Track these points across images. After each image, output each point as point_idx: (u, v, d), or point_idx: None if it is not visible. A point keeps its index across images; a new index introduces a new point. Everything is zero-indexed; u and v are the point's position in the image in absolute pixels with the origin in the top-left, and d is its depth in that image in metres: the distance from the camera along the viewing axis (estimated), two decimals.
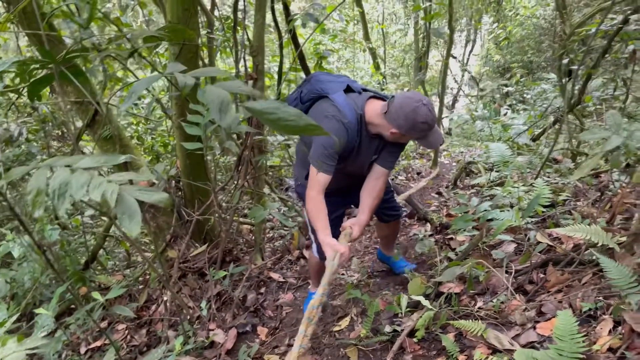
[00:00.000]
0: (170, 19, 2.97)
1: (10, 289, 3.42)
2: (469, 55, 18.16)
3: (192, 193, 3.49)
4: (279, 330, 2.93)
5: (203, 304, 3.00)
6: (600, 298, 2.01)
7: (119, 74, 4.28)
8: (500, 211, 2.96)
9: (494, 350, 1.97)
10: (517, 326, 2.08)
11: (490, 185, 4.47)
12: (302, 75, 4.98)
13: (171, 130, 4.25)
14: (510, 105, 10.61)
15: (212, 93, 1.35)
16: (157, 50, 4.59)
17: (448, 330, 2.26)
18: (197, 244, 3.62)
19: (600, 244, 2.12)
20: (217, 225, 3.59)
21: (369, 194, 2.47)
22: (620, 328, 1.78)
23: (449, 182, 6.04)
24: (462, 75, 17.20)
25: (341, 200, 2.71)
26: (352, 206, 2.90)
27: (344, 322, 2.73)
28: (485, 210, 2.95)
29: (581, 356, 1.56)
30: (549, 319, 2.02)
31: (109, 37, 2.80)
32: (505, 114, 10.26)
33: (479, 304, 2.41)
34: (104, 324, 3.27)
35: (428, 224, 4.16)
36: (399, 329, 2.40)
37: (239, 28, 4.00)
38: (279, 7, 4.55)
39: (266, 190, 4.44)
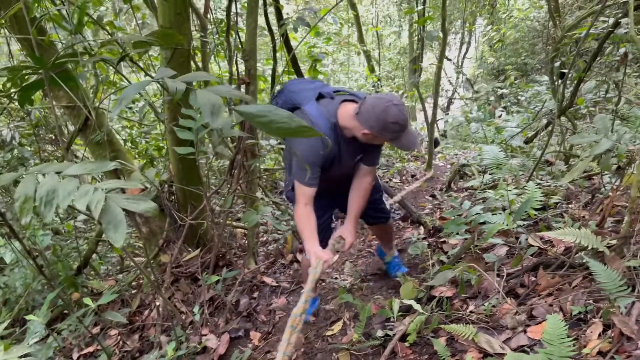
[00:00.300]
0: (163, 23, 2.97)
1: (2, 294, 3.41)
2: (464, 57, 18.21)
3: (185, 197, 3.49)
4: (271, 335, 2.92)
5: (196, 309, 2.99)
6: (590, 301, 2.02)
7: (111, 78, 4.27)
8: (492, 214, 2.97)
9: (485, 354, 1.98)
10: (508, 330, 2.09)
11: (484, 188, 4.47)
12: (295, 78, 4.98)
13: (165, 134, 4.25)
14: (504, 108, 10.64)
15: (204, 97, 1.35)
16: (150, 53, 4.59)
17: (440, 335, 2.26)
18: (190, 249, 3.61)
19: (590, 247, 2.13)
20: (210, 230, 3.59)
21: (356, 194, 2.53)
22: (609, 331, 1.79)
23: (443, 185, 6.05)
24: (457, 78, 17.24)
25: (329, 203, 2.72)
26: (338, 209, 2.92)
27: (337, 327, 2.73)
28: (477, 214, 2.96)
29: None
30: (540, 322, 2.03)
31: (101, 41, 2.80)
32: (500, 116, 10.30)
33: (471, 307, 2.42)
34: (96, 330, 3.25)
35: (421, 227, 4.16)
36: (391, 333, 2.40)
37: (232, 32, 3.99)
38: (271, 10, 4.55)
39: (259, 194, 4.43)
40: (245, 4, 3.44)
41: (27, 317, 2.33)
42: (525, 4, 13.85)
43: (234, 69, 3.84)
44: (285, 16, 4.20)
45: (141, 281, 3.63)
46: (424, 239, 3.83)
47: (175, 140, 3.08)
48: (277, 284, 3.55)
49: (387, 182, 6.59)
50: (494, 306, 2.29)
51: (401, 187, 6.32)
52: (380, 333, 2.43)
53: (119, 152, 3.49)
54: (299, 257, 3.99)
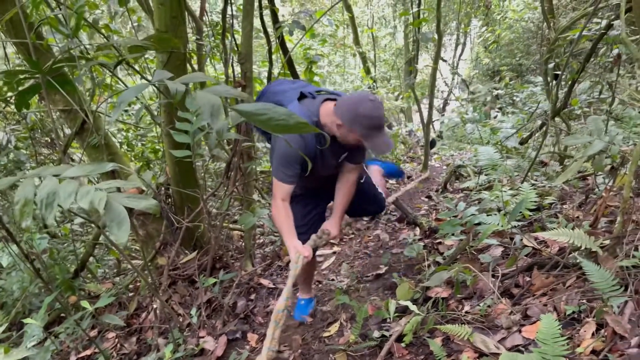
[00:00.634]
0: (159, 27, 2.98)
1: None
2: (459, 58, 18.28)
3: (181, 200, 3.49)
4: None
5: (193, 311, 3.00)
6: (584, 301, 2.04)
7: (108, 80, 4.28)
8: (487, 215, 2.99)
9: (481, 354, 1.99)
10: (503, 330, 2.11)
11: (479, 189, 4.50)
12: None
13: (161, 137, 4.26)
14: (500, 108, 10.69)
15: (203, 98, 1.37)
16: (146, 56, 4.60)
17: (436, 335, 2.28)
18: (187, 251, 3.62)
19: (583, 248, 2.16)
20: (207, 232, 3.60)
21: (341, 189, 2.56)
22: (603, 331, 1.81)
23: (439, 186, 6.08)
24: (453, 79, 17.31)
25: (314, 200, 2.74)
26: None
27: (334, 328, 2.75)
28: (472, 215, 2.98)
29: (564, 359, 1.59)
30: (534, 322, 2.05)
31: (97, 45, 2.81)
32: (495, 117, 10.35)
33: (466, 308, 2.44)
34: (93, 333, 3.25)
35: (417, 228, 4.19)
36: (387, 334, 2.42)
37: (227, 34, 4.01)
38: (267, 12, 4.57)
39: (256, 196, 4.45)
40: (241, 7, 3.46)
41: (24, 321, 2.33)
42: (519, 5, 13.92)
43: (230, 71, 3.86)
44: (280, 18, 4.23)
45: (138, 284, 3.64)
46: (419, 240, 3.86)
47: (171, 143, 3.10)
48: (274, 286, 3.57)
49: None
50: (489, 306, 2.31)
51: (397, 188, 6.35)
52: (376, 334, 2.45)
53: (115, 155, 3.50)
54: None
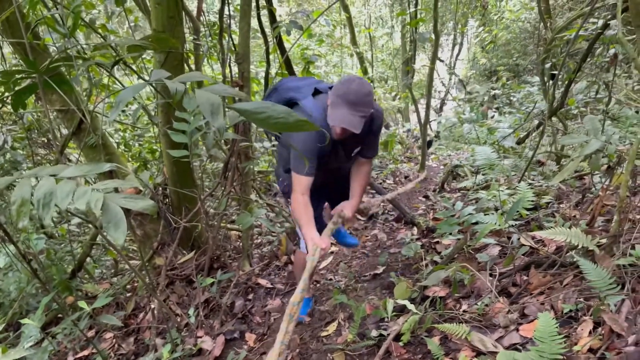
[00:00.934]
0: (156, 27, 2.98)
1: None
2: (456, 58, 18.30)
3: (179, 200, 3.49)
4: (267, 336, 2.94)
5: (191, 311, 3.00)
6: (581, 299, 2.05)
7: (105, 80, 4.27)
8: (485, 215, 3.00)
9: (478, 353, 2.00)
10: (501, 328, 2.11)
11: (476, 189, 4.51)
12: None
13: (158, 137, 4.26)
14: (497, 108, 10.71)
15: (202, 97, 1.36)
16: (143, 56, 4.60)
17: (433, 334, 2.28)
18: (184, 251, 3.61)
19: (580, 246, 2.16)
20: (204, 232, 3.59)
21: (357, 177, 2.62)
22: (600, 329, 1.82)
23: (437, 186, 6.09)
24: (450, 79, 17.32)
25: (317, 198, 2.74)
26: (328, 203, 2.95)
27: (332, 328, 2.75)
28: (469, 214, 2.99)
29: (561, 357, 1.59)
30: (532, 320, 2.06)
31: (94, 45, 2.80)
32: (492, 117, 10.36)
33: (464, 307, 2.44)
34: (91, 333, 3.25)
35: (415, 228, 4.19)
36: (385, 333, 2.42)
37: (225, 34, 4.01)
38: (264, 12, 4.57)
39: (253, 196, 4.44)
40: (239, 7, 3.46)
41: (21, 321, 2.32)
42: (516, 5, 13.95)
43: (228, 71, 3.86)
44: (278, 18, 4.23)
45: (136, 284, 3.63)
46: (417, 239, 3.86)
47: (169, 143, 3.10)
48: (271, 286, 3.57)
49: (380, 183, 6.62)
50: (486, 305, 2.32)
51: (395, 188, 6.36)
52: (374, 333, 2.46)
53: (113, 156, 3.49)
54: (293, 258, 4.00)
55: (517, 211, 2.70)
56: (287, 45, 4.75)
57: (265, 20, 4.68)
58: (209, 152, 3.00)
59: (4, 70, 2.12)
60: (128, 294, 3.60)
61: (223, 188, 3.34)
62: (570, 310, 2.01)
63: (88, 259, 4.06)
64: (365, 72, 11.76)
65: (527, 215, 3.15)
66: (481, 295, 2.49)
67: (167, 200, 3.59)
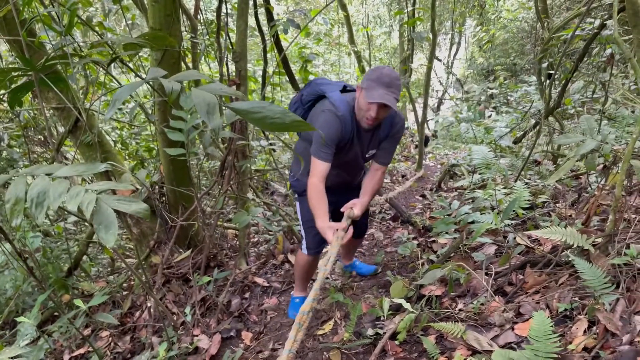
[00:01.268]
0: (153, 25, 2.97)
1: None
2: (454, 58, 18.32)
3: (175, 198, 3.49)
4: (263, 334, 2.94)
5: (187, 310, 3.00)
6: (576, 299, 2.05)
7: (102, 78, 4.26)
8: (481, 214, 3.00)
9: (474, 352, 2.00)
10: (496, 327, 2.12)
11: (473, 188, 4.52)
12: (286, 78, 5.00)
13: (155, 135, 4.25)
14: (494, 108, 10.72)
15: (198, 96, 1.36)
16: (140, 54, 4.59)
17: (429, 333, 2.29)
18: (181, 250, 3.61)
19: (576, 246, 2.17)
20: (201, 231, 3.59)
21: (370, 181, 2.67)
22: (594, 328, 1.83)
23: (434, 185, 6.10)
24: (447, 78, 17.34)
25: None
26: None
27: (328, 326, 2.75)
28: (465, 213, 3.00)
29: (556, 356, 1.60)
30: (527, 319, 2.06)
31: (91, 42, 2.80)
32: (489, 116, 10.38)
33: (460, 306, 2.45)
34: (87, 332, 3.25)
35: (411, 227, 4.20)
36: (381, 331, 2.43)
37: (222, 33, 4.00)
38: (262, 11, 4.56)
39: (250, 195, 4.44)
40: (236, 5, 3.45)
41: (17, 319, 2.32)
42: (514, 5, 13.97)
43: (225, 69, 3.86)
44: (275, 17, 4.22)
45: (132, 282, 3.63)
46: (414, 238, 3.87)
47: (166, 141, 3.09)
48: (268, 285, 3.57)
49: None
50: (482, 304, 2.32)
51: (392, 187, 6.36)
52: (370, 332, 2.46)
53: (109, 154, 3.48)
54: (291, 257, 4.01)
55: (513, 210, 2.70)
56: (284, 44, 4.75)
57: (262, 18, 4.67)
58: (206, 150, 3.00)
59: (0, 68, 2.11)
60: (124, 293, 3.60)
61: (220, 186, 3.34)
62: (565, 309, 2.01)
63: (84, 257, 4.05)
64: (362, 71, 11.75)
65: (524, 214, 3.16)
66: (477, 294, 2.49)
67: (163, 198, 3.59)
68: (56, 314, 3.45)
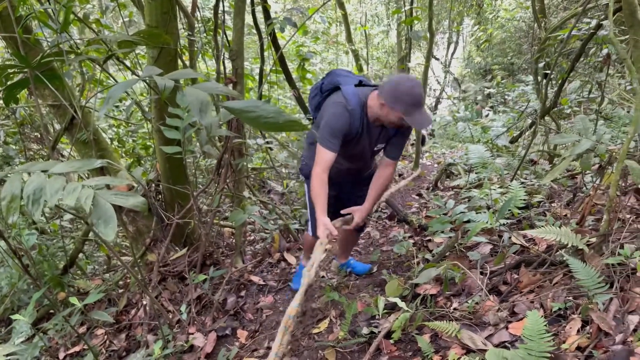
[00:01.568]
0: (149, 23, 2.97)
1: None
2: (451, 57, 18.33)
3: (172, 196, 3.49)
4: (258, 333, 2.94)
5: (183, 308, 3.00)
6: (570, 298, 2.06)
7: (99, 76, 4.25)
8: (477, 213, 3.01)
9: (468, 351, 2.01)
10: (491, 326, 2.13)
11: (469, 187, 4.53)
12: (284, 77, 5.00)
13: (152, 133, 4.25)
14: (492, 107, 10.75)
15: (192, 94, 1.37)
16: (137, 52, 4.58)
17: (424, 332, 2.29)
18: (177, 248, 3.61)
19: (570, 245, 2.18)
20: (197, 229, 3.59)
21: (378, 180, 2.73)
22: (588, 327, 1.84)
23: (430, 184, 6.11)
24: (445, 77, 17.36)
25: (333, 195, 2.76)
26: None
27: (323, 325, 2.76)
28: (461, 213, 3.00)
29: (549, 355, 1.61)
30: (521, 319, 2.07)
31: (87, 40, 2.79)
32: (486, 116, 10.40)
33: (454, 305, 2.45)
34: (82, 329, 3.24)
35: (407, 226, 4.20)
36: (376, 330, 2.43)
37: (219, 31, 4.00)
38: (259, 9, 4.56)
39: (246, 193, 4.44)
40: (233, 3, 3.45)
41: (12, 317, 2.32)
42: (512, 4, 13.98)
43: (222, 68, 3.85)
44: (273, 15, 4.22)
45: (128, 280, 3.63)
46: (410, 237, 3.87)
47: (162, 139, 3.09)
48: (264, 283, 3.57)
49: None
50: (477, 303, 2.33)
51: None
52: (365, 330, 2.46)
53: (105, 151, 3.47)
54: (287, 256, 4.01)
55: (509, 210, 2.72)
56: (281, 42, 4.75)
57: (260, 16, 4.67)
58: (203, 148, 3.00)
59: None
60: (120, 290, 3.59)
61: (216, 185, 3.34)
62: (559, 309, 2.02)
63: (80, 255, 4.05)
64: (360, 69, 11.75)
65: (519, 213, 3.17)
66: (472, 293, 2.50)
67: (160, 196, 3.58)
68: (51, 311, 3.45)
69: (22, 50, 2.52)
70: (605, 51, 4.45)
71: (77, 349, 2.99)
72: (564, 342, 1.82)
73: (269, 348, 2.71)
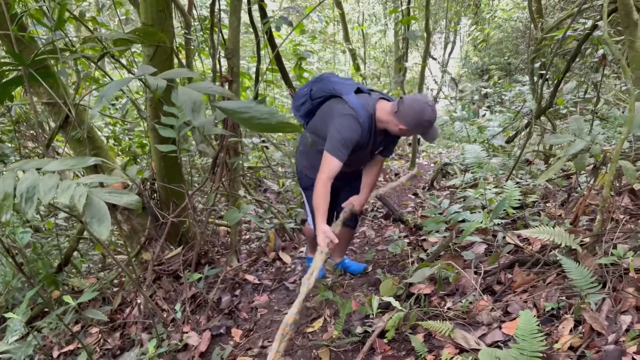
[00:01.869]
0: (145, 20, 2.96)
1: None
2: (448, 57, 18.34)
3: (167, 195, 3.48)
4: (253, 332, 2.94)
5: (177, 307, 2.99)
6: (563, 298, 2.07)
7: (94, 74, 4.24)
8: (471, 213, 3.01)
9: (461, 350, 2.02)
10: (484, 326, 2.13)
11: (465, 187, 4.53)
12: (280, 75, 4.99)
13: (147, 131, 4.24)
14: (488, 107, 10.76)
15: (185, 94, 1.37)
16: (133, 50, 4.57)
17: (417, 331, 2.30)
18: (172, 247, 3.60)
19: (563, 245, 2.18)
20: (192, 228, 3.58)
21: (369, 173, 2.97)
22: (580, 327, 1.84)
23: (426, 183, 6.12)
24: (442, 77, 17.36)
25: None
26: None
27: (317, 324, 2.76)
28: (456, 212, 3.01)
29: (541, 355, 1.61)
30: (514, 318, 2.07)
31: (82, 37, 2.78)
32: (483, 115, 10.42)
33: (448, 304, 2.46)
34: (76, 328, 3.23)
35: (403, 225, 4.21)
36: (370, 329, 2.44)
37: (215, 29, 3.99)
38: (255, 7, 4.55)
39: (242, 192, 4.44)
40: (229, 1, 3.44)
41: (6, 315, 2.31)
42: (509, 4, 14.01)
43: (218, 66, 3.84)
44: (270, 14, 4.21)
45: (123, 279, 3.62)
46: (405, 236, 3.88)
47: (157, 137, 3.08)
48: (259, 282, 3.57)
49: None
50: (470, 303, 2.34)
51: (385, 185, 6.37)
52: (359, 329, 2.47)
53: (99, 150, 3.46)
54: (282, 255, 4.01)
55: (504, 209, 2.72)
56: (278, 40, 4.74)
57: (257, 15, 4.66)
58: (198, 147, 2.99)
59: None
60: (115, 289, 3.58)
61: (212, 183, 3.34)
62: (552, 309, 2.03)
63: (75, 253, 4.04)
64: (357, 69, 11.77)
65: (514, 213, 3.18)
66: (466, 293, 2.51)
67: (155, 195, 3.58)
68: (46, 310, 3.44)
69: (16, 48, 2.51)
70: (601, 52, 4.47)
71: (71, 347, 2.98)
72: (556, 341, 1.82)
73: (263, 347, 2.72)
